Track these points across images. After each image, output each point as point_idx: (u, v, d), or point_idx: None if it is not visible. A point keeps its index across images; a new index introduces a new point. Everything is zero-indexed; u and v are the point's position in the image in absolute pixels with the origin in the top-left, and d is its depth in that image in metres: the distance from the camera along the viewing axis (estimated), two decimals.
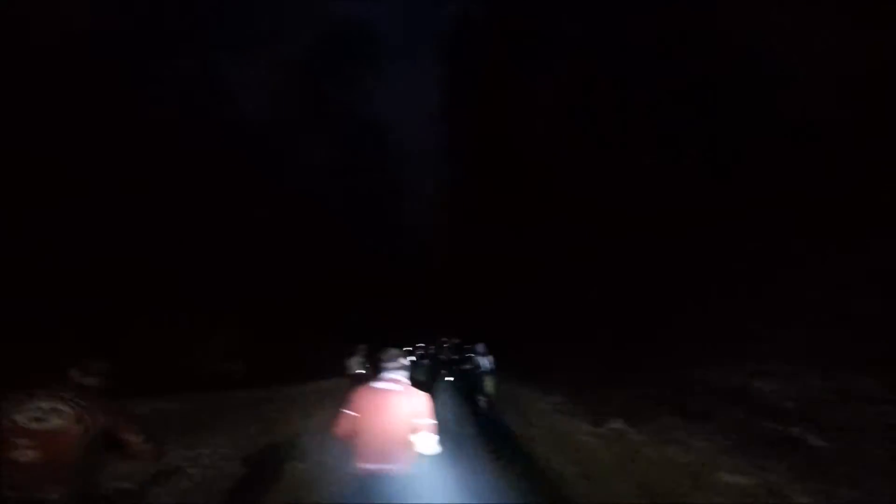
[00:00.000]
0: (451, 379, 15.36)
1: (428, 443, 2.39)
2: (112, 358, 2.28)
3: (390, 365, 2.54)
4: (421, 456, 2.45)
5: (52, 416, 1.89)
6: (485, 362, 8.97)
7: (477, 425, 7.71)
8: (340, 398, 2.62)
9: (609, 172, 11.11)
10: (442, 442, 2.51)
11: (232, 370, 15.11)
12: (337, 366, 10.04)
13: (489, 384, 8.87)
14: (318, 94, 26.34)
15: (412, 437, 2.38)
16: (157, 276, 13.84)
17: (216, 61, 19.72)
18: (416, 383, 2.65)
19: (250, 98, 21.06)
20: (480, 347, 9.15)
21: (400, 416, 2.38)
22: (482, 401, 8.86)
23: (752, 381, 5.84)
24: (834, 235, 6.28)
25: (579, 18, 12.88)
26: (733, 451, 4.71)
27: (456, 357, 19.79)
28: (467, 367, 10.35)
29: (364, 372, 8.53)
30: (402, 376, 2.55)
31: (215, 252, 16.12)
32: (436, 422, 2.47)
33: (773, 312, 6.55)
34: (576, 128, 12.61)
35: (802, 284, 6.44)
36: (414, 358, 13.42)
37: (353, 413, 2.42)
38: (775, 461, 4.24)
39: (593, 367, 9.69)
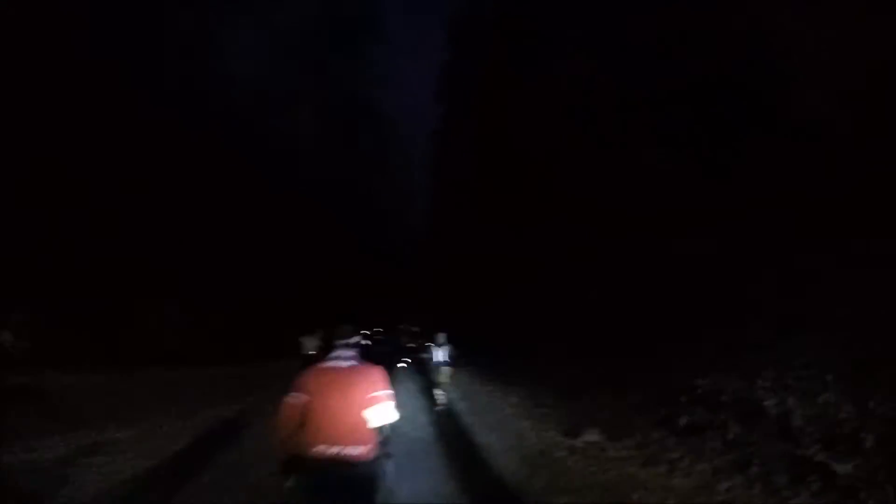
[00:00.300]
0: (405, 365, 15.15)
1: (385, 413, 2.24)
2: (40, 315, 2.20)
3: (342, 342, 2.38)
4: (381, 439, 2.29)
5: None
6: (441, 353, 8.64)
7: (433, 427, 7.12)
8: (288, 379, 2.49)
9: (609, 172, 11.10)
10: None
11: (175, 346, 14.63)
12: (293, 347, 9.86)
13: (444, 376, 8.59)
14: (320, 91, 26.25)
15: (368, 411, 2.19)
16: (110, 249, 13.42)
17: (208, 31, 18.92)
18: (370, 360, 2.48)
19: (245, 77, 20.32)
20: (441, 337, 8.77)
21: (354, 392, 2.20)
22: (440, 395, 8.60)
23: (752, 393, 5.12)
24: (837, 237, 6.15)
25: (579, 18, 12.87)
26: (735, 473, 4.06)
27: (414, 345, 19.64)
28: (425, 356, 9.88)
29: (316, 353, 8.34)
30: (354, 353, 2.39)
31: (187, 233, 15.61)
32: (392, 391, 2.33)
33: (777, 318, 6.04)
34: (576, 128, 12.60)
35: (811, 289, 5.95)
36: (369, 342, 13.13)
37: (301, 396, 2.20)
38: (792, 489, 3.60)
39: (579, 370, 9.45)
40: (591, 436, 5.83)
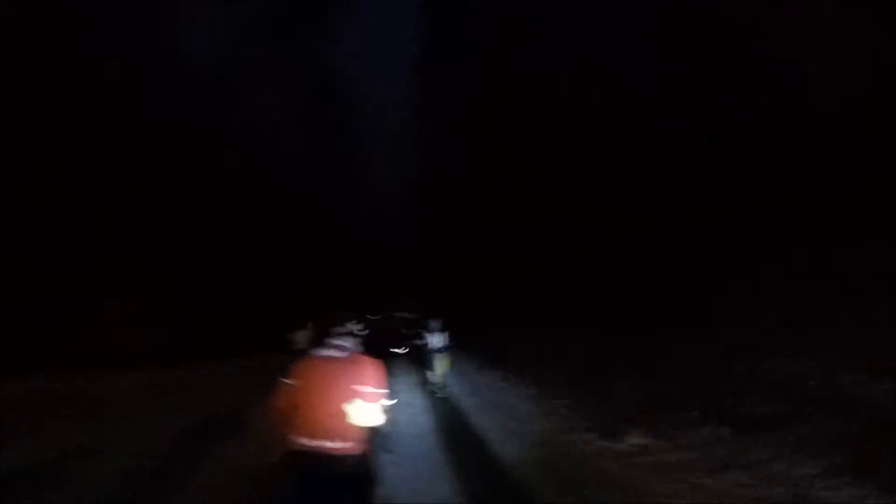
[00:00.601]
0: (399, 352, 14.51)
1: (370, 414, 2.10)
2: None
3: (339, 331, 2.27)
4: (372, 435, 2.19)
5: None
6: (437, 340, 8.35)
7: (438, 434, 5.64)
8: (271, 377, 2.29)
9: (609, 172, 11.10)
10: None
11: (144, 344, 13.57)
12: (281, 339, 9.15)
13: (441, 363, 8.30)
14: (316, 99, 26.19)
15: (352, 408, 2.08)
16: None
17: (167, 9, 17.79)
18: (369, 352, 2.36)
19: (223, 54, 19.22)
20: (435, 324, 8.49)
21: (343, 385, 2.09)
22: (433, 376, 8.34)
23: (837, 379, 4.13)
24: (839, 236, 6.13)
25: (579, 18, 12.87)
26: (859, 480, 2.98)
27: (408, 332, 19.37)
28: (419, 342, 9.41)
29: (308, 347, 8.05)
30: (352, 343, 2.28)
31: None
32: (387, 390, 2.20)
33: (790, 312, 5.69)
34: (576, 128, 12.60)
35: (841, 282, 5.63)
36: (363, 330, 12.19)
37: (293, 383, 2.16)
38: None
39: (594, 354, 8.74)
40: (636, 437, 4.80)
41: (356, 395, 2.09)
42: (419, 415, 6.86)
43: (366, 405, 2.10)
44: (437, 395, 8.29)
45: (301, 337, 8.61)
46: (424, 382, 9.11)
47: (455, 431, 5.91)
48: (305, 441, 2.04)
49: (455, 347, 8.73)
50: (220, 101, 19.12)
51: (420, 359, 10.36)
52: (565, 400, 7.10)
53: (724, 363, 5.62)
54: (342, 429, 2.06)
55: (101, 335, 13.01)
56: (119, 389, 9.06)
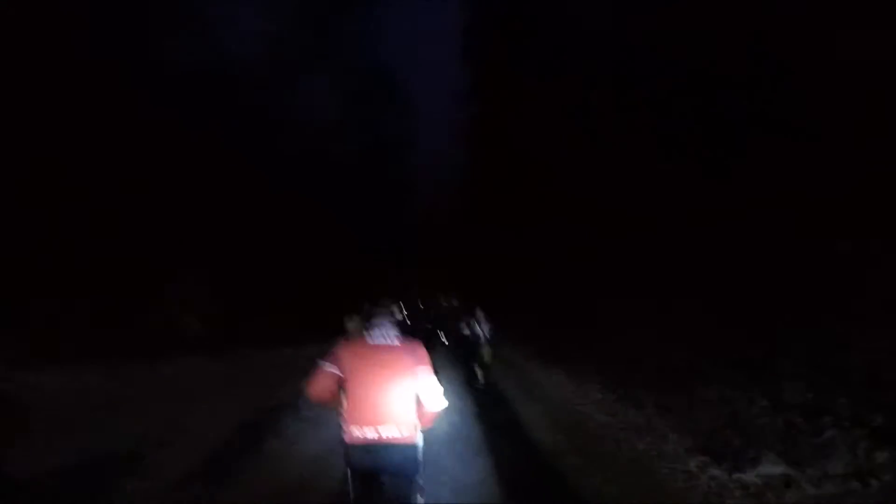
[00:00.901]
0: (446, 344, 14.02)
1: (435, 398, 2.12)
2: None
3: (382, 318, 2.24)
4: (426, 422, 2.17)
5: None
6: (483, 330, 8.17)
7: (494, 455, 4.29)
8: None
9: (609, 172, 11.11)
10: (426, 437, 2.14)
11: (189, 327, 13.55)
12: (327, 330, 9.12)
13: (486, 354, 8.11)
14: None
15: (418, 394, 2.08)
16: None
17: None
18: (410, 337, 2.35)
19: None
20: (479, 313, 8.34)
21: (397, 372, 2.08)
22: (480, 374, 8.15)
23: None
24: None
25: (579, 18, 12.87)
26: None
27: (452, 320, 18.98)
28: (465, 332, 8.94)
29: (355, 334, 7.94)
30: (395, 330, 2.25)
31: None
32: (436, 372, 2.18)
33: None
34: (576, 128, 12.60)
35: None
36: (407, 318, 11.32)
37: (334, 370, 2.10)
38: None
39: (662, 358, 7.59)
40: (766, 464, 3.73)
41: (415, 380, 2.10)
42: (467, 425, 5.49)
43: (427, 390, 2.10)
44: (478, 387, 7.97)
45: (356, 322, 8.42)
46: (469, 380, 8.39)
47: (518, 455, 4.45)
48: (361, 432, 2.02)
49: (496, 339, 8.38)
50: (223, 100, 19.08)
51: (460, 352, 9.60)
52: (648, 409, 5.84)
53: (828, 359, 4.79)
54: (400, 415, 2.05)
55: (146, 326, 12.98)
56: (186, 375, 8.91)
